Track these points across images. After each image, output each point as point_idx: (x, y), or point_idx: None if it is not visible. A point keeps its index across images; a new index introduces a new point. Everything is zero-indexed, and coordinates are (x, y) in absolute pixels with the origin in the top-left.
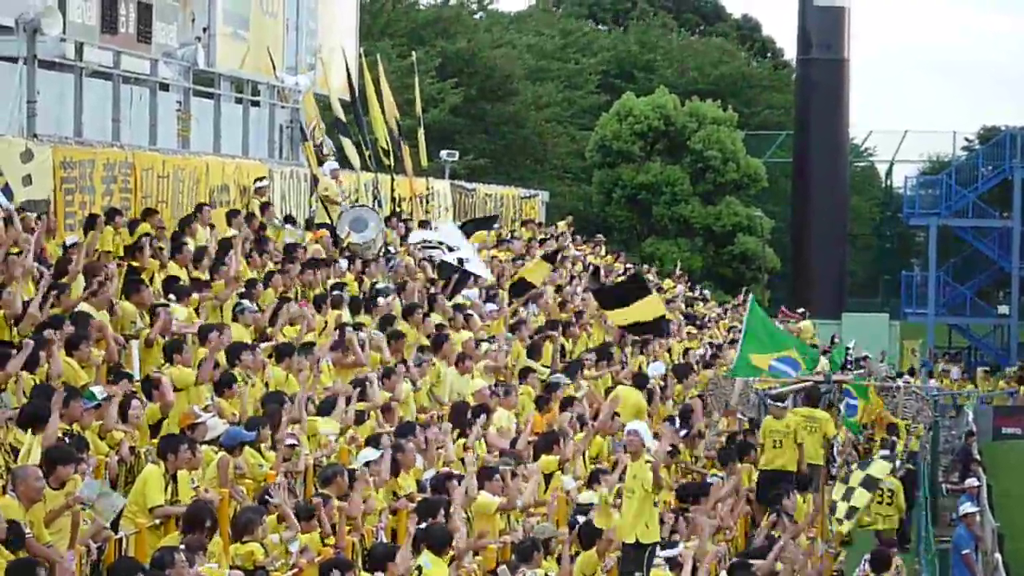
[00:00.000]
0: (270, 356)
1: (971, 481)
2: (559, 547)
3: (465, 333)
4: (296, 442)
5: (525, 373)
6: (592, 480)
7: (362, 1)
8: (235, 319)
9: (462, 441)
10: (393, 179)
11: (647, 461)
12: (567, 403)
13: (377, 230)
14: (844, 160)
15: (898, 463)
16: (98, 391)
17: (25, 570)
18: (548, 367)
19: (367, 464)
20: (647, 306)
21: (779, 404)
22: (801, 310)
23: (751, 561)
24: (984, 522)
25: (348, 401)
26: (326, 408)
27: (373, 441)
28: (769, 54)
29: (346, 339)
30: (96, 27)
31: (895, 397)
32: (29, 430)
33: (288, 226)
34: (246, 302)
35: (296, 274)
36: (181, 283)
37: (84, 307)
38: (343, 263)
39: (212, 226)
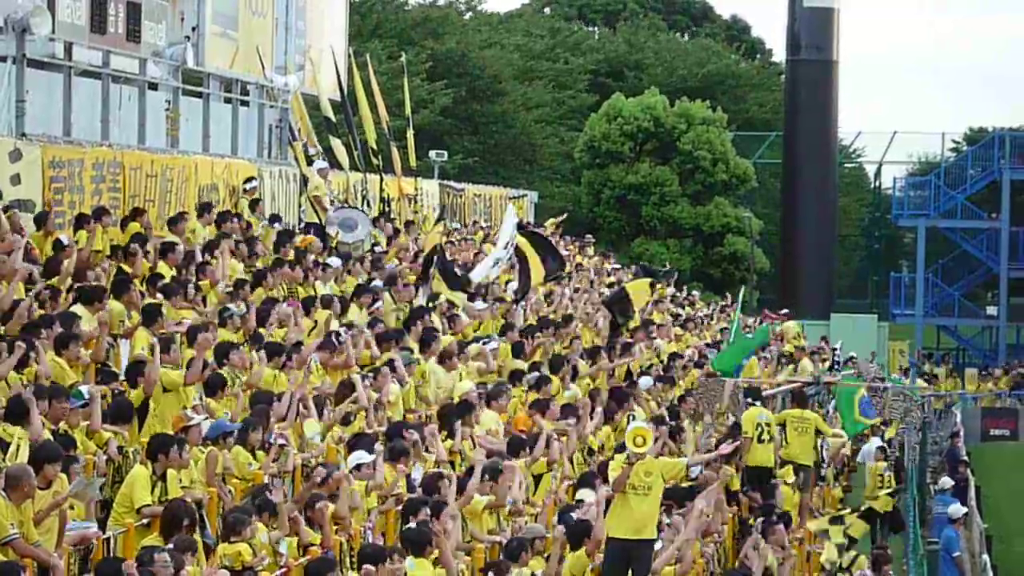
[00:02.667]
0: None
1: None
2: (547, 547)
3: (448, 337)
4: (285, 442)
5: (518, 376)
6: (582, 483)
7: (351, 1)
8: (222, 324)
9: (449, 443)
10: (382, 179)
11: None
12: (545, 404)
13: (366, 230)
14: (833, 161)
15: (888, 451)
16: (85, 390)
17: (8, 573)
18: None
19: (358, 467)
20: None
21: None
22: (784, 311)
23: None
24: (972, 523)
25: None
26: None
27: (366, 444)
28: (758, 55)
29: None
30: (85, 26)
31: (883, 398)
32: (17, 428)
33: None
34: (232, 306)
35: (284, 271)
36: (167, 282)
37: (76, 308)
38: (336, 261)
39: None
